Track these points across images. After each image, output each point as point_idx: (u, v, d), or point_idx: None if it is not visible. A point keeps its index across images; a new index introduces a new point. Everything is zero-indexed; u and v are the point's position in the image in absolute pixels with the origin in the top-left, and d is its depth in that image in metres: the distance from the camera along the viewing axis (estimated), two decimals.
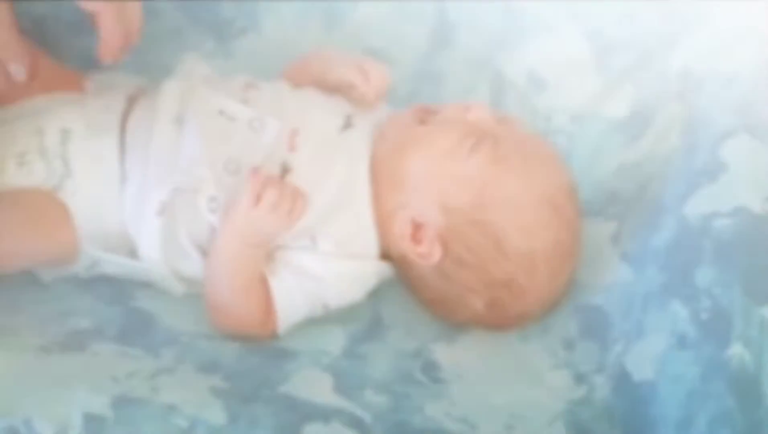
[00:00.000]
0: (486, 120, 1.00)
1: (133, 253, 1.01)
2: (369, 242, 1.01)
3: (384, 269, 1.02)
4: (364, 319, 1.05)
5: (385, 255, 1.02)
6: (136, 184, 1.00)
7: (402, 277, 1.03)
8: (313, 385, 0.95)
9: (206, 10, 1.15)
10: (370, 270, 1.02)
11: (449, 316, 1.03)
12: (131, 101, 1.04)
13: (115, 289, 1.03)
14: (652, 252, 0.95)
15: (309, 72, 1.08)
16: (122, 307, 1.03)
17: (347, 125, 1.02)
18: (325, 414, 0.90)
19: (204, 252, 1.00)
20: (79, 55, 1.13)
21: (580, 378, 0.96)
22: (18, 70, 1.05)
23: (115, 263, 1.02)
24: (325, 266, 0.99)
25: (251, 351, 1.00)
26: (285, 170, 0.99)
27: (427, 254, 0.98)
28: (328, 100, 1.05)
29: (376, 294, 1.05)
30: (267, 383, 0.94)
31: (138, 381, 0.92)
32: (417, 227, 0.98)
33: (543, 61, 1.10)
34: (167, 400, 0.88)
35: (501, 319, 1.01)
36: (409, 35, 1.13)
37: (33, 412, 0.86)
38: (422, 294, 1.03)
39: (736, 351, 0.85)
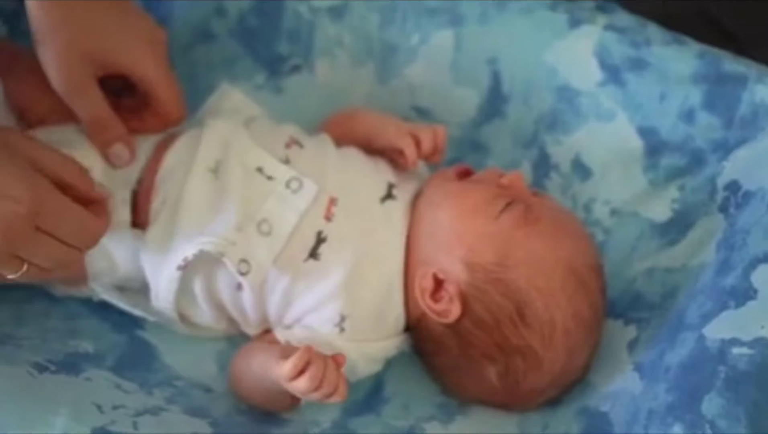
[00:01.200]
0: (521, 186, 0.99)
1: (143, 288, 1.01)
2: (398, 318, 0.99)
3: (404, 340, 1.01)
4: (364, 388, 1.03)
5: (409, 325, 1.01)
6: (161, 229, 0.98)
7: (417, 343, 1.02)
8: None
9: (263, 43, 1.14)
10: (391, 347, 1.00)
11: (459, 387, 1.01)
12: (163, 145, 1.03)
13: (124, 315, 1.03)
14: (665, 368, 0.91)
15: (355, 131, 1.07)
16: (127, 336, 1.04)
17: (388, 195, 1.01)
18: None
19: (216, 305, 1.00)
20: None
21: None
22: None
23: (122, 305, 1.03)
24: (353, 352, 0.97)
25: (240, 410, 0.99)
26: (320, 239, 0.97)
27: (445, 312, 0.96)
28: (371, 166, 1.03)
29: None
30: None
31: (122, 415, 0.91)
32: (438, 284, 0.97)
33: (591, 150, 1.07)
34: None
35: (512, 392, 0.99)
36: (460, 100, 1.10)
37: (11, 429, 0.87)
38: (436, 360, 1.01)
39: None
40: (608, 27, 1.05)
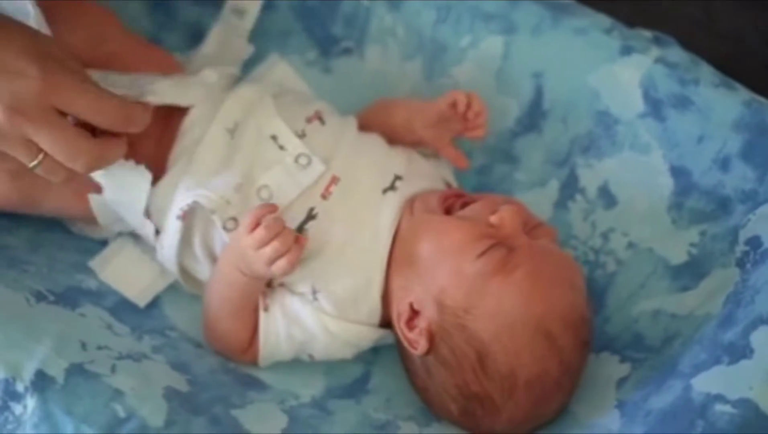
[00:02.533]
0: (511, 227, 0.93)
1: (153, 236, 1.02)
2: (372, 311, 0.98)
3: (383, 335, 1.00)
4: (351, 375, 1.03)
5: (388, 323, 0.99)
6: (172, 180, 1.00)
7: (397, 343, 1.00)
8: (264, 421, 0.94)
9: (319, 22, 1.15)
10: (365, 336, 0.99)
11: (428, 406, 1.00)
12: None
13: None
14: (646, 411, 0.89)
15: (393, 115, 1.07)
16: None
17: (391, 187, 1.00)
18: None
19: (213, 260, 1.01)
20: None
21: None
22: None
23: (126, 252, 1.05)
24: (319, 324, 0.97)
25: (226, 370, 1.00)
26: (310, 216, 0.97)
27: (415, 343, 0.95)
28: (386, 155, 1.02)
29: (375, 354, 1.04)
30: (224, 402, 0.94)
31: (103, 356, 0.93)
32: (414, 313, 0.95)
33: (620, 179, 1.04)
34: (118, 385, 0.89)
35: (472, 427, 0.97)
36: (500, 109, 1.09)
37: None
38: (408, 375, 1.00)
39: None
40: (659, 60, 1.02)
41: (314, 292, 0.97)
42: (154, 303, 1.04)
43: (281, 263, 0.91)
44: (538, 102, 1.08)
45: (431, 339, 0.94)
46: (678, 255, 1.00)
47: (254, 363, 1.00)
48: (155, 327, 1.01)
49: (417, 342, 0.94)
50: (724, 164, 0.99)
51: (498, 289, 0.91)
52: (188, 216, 0.99)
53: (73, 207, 1.03)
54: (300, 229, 0.97)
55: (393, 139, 1.06)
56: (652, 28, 1.08)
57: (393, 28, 1.12)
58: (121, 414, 0.87)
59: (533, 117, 1.08)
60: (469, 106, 1.02)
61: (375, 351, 1.03)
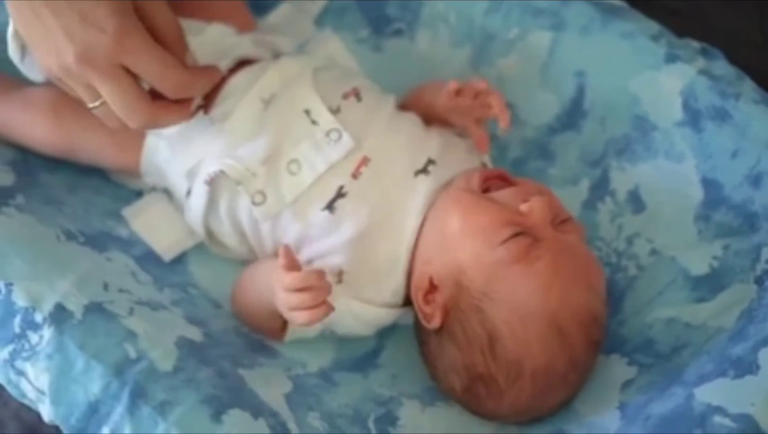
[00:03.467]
0: (539, 217, 0.93)
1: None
2: (395, 292, 0.99)
3: (403, 314, 1.01)
4: (362, 349, 1.04)
5: (410, 301, 1.00)
6: (205, 144, 1.02)
7: (414, 321, 1.01)
8: (269, 384, 0.96)
9: (375, 3, 1.16)
10: (386, 317, 1.00)
11: (434, 380, 1.01)
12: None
13: None
14: (646, 416, 0.89)
15: (422, 96, 1.07)
16: None
17: (423, 170, 1.00)
18: (258, 410, 0.91)
19: (237, 227, 1.03)
20: None
21: None
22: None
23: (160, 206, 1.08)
24: (343, 306, 0.97)
25: (239, 332, 1.02)
26: (339, 193, 0.98)
27: (429, 317, 0.95)
28: (421, 137, 1.02)
29: (391, 329, 1.04)
30: (232, 360, 0.96)
31: (123, 299, 0.95)
32: (432, 287, 0.96)
33: (651, 185, 1.04)
34: (133, 327, 0.92)
35: (474, 407, 0.98)
36: (542, 104, 1.09)
37: (18, 280, 0.92)
38: (420, 347, 1.01)
39: None
40: (703, 72, 1.02)
41: (340, 274, 0.98)
42: (180, 259, 1.06)
43: (302, 316, 0.91)
44: (578, 101, 1.07)
45: (445, 315, 0.94)
46: (699, 267, 0.99)
47: (280, 341, 1.02)
48: (177, 282, 1.03)
49: (432, 316, 0.95)
50: (756, 181, 0.98)
51: (517, 277, 0.91)
52: (215, 182, 1.00)
53: (112, 156, 1.06)
54: (330, 207, 0.98)
55: (429, 120, 1.06)
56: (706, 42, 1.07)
57: (445, 14, 1.13)
58: (132, 354, 0.90)
59: (573, 115, 1.08)
60: (476, 95, 1.02)
61: (391, 327, 1.03)
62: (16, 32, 0.95)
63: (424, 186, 0.99)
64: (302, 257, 0.99)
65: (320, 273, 0.91)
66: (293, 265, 0.91)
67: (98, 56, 0.88)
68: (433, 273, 0.95)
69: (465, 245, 0.94)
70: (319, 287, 0.90)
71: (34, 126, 1.04)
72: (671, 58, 1.03)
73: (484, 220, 0.94)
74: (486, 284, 0.92)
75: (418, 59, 1.15)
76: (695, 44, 1.05)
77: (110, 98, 0.90)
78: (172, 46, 0.93)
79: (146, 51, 0.90)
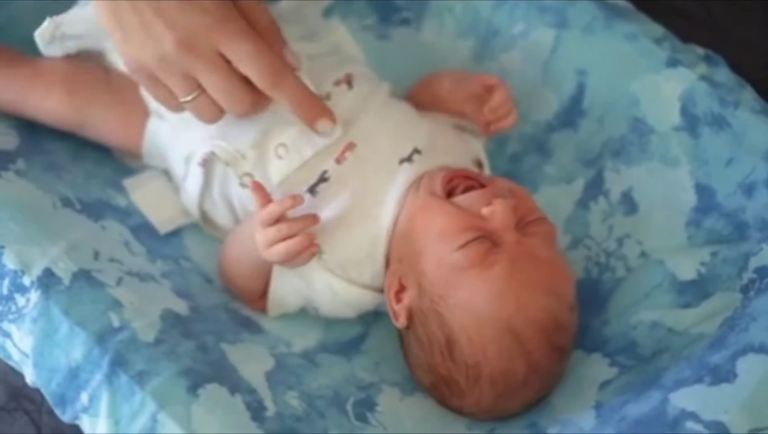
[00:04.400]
0: (500, 221, 0.91)
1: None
2: (375, 275, 1.00)
3: (384, 301, 1.00)
4: (349, 333, 1.05)
5: None
6: (204, 126, 1.01)
7: None
8: (251, 360, 0.96)
9: None
10: (366, 299, 1.01)
11: (410, 372, 1.01)
12: None
13: None
14: (621, 416, 0.89)
15: (438, 85, 1.08)
16: None
17: (409, 158, 1.00)
18: (235, 386, 0.91)
19: (229, 207, 1.03)
20: None
21: None
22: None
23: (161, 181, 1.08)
24: (323, 281, 0.99)
25: (227, 308, 1.03)
26: (322, 178, 0.99)
27: (397, 315, 0.96)
28: (411, 125, 1.02)
29: (377, 316, 1.05)
30: (216, 334, 0.96)
31: (112, 269, 0.96)
32: (401, 287, 0.96)
33: (644, 188, 1.04)
34: (119, 296, 0.93)
35: (443, 403, 0.99)
36: (542, 101, 1.09)
37: (10, 243, 0.93)
38: (399, 339, 1.02)
39: None
40: (704, 78, 1.01)
41: (321, 252, 0.98)
42: (176, 232, 1.07)
43: (281, 249, 0.93)
44: (578, 99, 1.07)
45: (410, 316, 0.95)
46: (687, 272, 0.99)
47: (264, 310, 1.03)
48: (171, 254, 1.04)
49: (399, 316, 0.96)
50: (749, 190, 0.98)
51: (472, 283, 0.91)
52: (208, 163, 1.01)
53: (117, 134, 1.07)
54: (312, 190, 0.99)
55: (437, 108, 1.07)
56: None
57: (451, 5, 1.14)
58: (116, 323, 0.90)
59: (571, 113, 1.08)
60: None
61: (377, 314, 1.04)
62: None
63: (405, 175, 0.99)
64: None
65: (295, 197, 0.92)
66: (267, 199, 0.93)
67: (199, 40, 0.87)
68: (401, 274, 0.96)
69: (426, 249, 0.94)
70: (298, 233, 0.92)
71: (45, 100, 1.05)
72: (673, 63, 1.03)
73: (443, 224, 0.93)
74: (444, 288, 0.92)
75: (423, 48, 1.16)
76: (699, 50, 1.05)
77: (213, 86, 0.90)
78: (269, 41, 0.92)
79: (247, 37, 0.89)
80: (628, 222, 1.04)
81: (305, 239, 0.93)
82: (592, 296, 1.02)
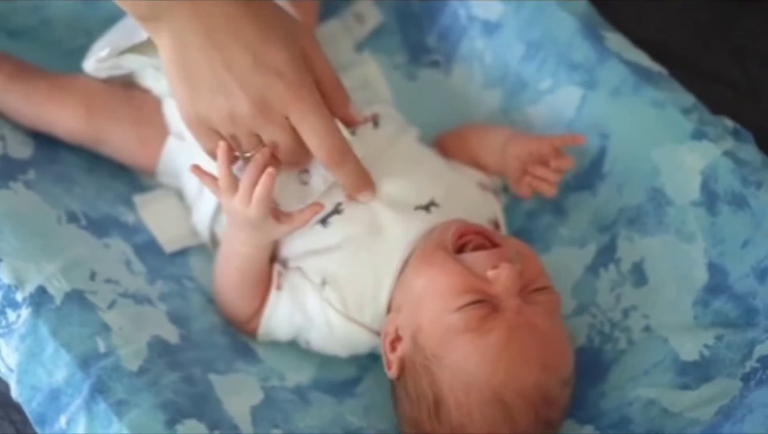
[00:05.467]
0: (503, 286, 0.89)
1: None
2: (375, 317, 0.99)
3: (380, 344, 0.99)
4: (344, 374, 1.04)
5: None
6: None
7: None
8: (238, 392, 0.96)
9: (416, 29, 1.16)
10: (361, 340, 1.00)
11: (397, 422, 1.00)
12: None
13: None
14: None
15: (489, 136, 1.06)
16: None
17: (425, 208, 0.99)
18: (216, 421, 0.91)
19: None
20: None
21: None
22: None
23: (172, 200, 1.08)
24: (322, 313, 0.98)
25: (225, 331, 1.02)
26: (336, 210, 0.98)
27: (390, 364, 0.95)
28: (432, 175, 1.01)
29: (374, 361, 1.04)
30: (205, 364, 0.96)
31: (107, 291, 0.96)
32: (398, 337, 0.95)
33: (656, 261, 1.01)
34: (109, 320, 0.93)
35: None
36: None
37: (7, 256, 0.93)
38: (390, 388, 1.01)
39: None
40: (728, 153, 0.99)
41: (323, 283, 0.98)
42: (182, 251, 1.07)
43: (244, 197, 0.91)
44: (599, 163, 1.05)
45: (402, 368, 0.94)
46: (690, 352, 0.96)
47: (253, 335, 1.02)
48: (174, 274, 1.04)
49: (392, 365, 0.95)
50: (762, 275, 0.95)
51: (467, 347, 0.90)
52: None
53: (134, 152, 1.08)
54: (324, 221, 0.98)
55: (466, 159, 1.06)
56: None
57: (482, 52, 1.12)
58: (101, 348, 0.91)
59: (591, 176, 1.06)
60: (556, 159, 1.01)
61: (373, 358, 1.03)
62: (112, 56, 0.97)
63: (419, 223, 0.98)
64: (291, 265, 1.00)
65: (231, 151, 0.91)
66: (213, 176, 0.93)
67: (273, 106, 0.86)
68: (398, 324, 0.95)
69: (425, 304, 0.93)
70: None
71: (63, 115, 1.06)
72: (698, 135, 1.00)
73: (445, 282, 0.92)
74: (438, 347, 0.91)
75: (450, 93, 1.15)
76: (728, 122, 1.02)
77: (276, 146, 0.90)
78: (334, 96, 0.92)
79: (317, 112, 0.88)
80: (637, 294, 1.02)
81: (268, 176, 0.90)
82: (591, 366, 1.00)
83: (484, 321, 0.89)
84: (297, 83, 0.86)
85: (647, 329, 1.00)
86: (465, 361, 0.89)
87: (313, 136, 0.88)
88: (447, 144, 1.09)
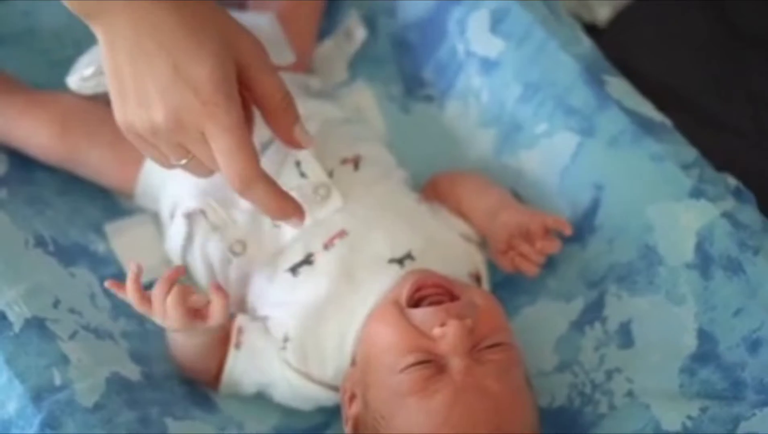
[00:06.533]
0: (451, 345, 0.86)
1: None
2: (338, 371, 0.96)
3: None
4: (310, 421, 1.01)
5: None
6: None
7: None
8: None
9: (413, 61, 1.14)
10: (323, 396, 0.97)
11: None
12: None
13: None
14: None
15: (485, 196, 1.03)
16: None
17: (400, 261, 0.96)
18: None
19: (208, 266, 1.01)
20: None
21: None
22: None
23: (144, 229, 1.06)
24: (281, 374, 0.96)
25: (184, 380, 1.00)
26: (306, 261, 0.96)
27: (346, 421, 0.93)
28: (410, 226, 0.98)
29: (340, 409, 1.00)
30: (163, 407, 0.94)
31: (69, 321, 0.94)
32: (353, 395, 0.92)
33: (644, 323, 0.97)
34: (68, 352, 0.90)
35: None
36: (555, 209, 1.03)
37: None
38: None
39: None
40: (726, 215, 0.95)
41: (285, 340, 0.95)
42: (150, 282, 1.03)
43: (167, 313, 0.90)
44: (591, 215, 1.02)
45: (356, 426, 0.91)
46: (672, 423, 0.92)
47: (215, 389, 1.00)
48: (136, 313, 0.98)
49: (348, 422, 0.92)
50: (753, 346, 0.92)
51: (412, 410, 0.86)
52: (192, 217, 0.99)
53: (111, 173, 1.06)
54: (294, 270, 0.96)
55: (464, 214, 1.03)
56: None
57: (478, 90, 1.09)
58: (57, 381, 0.88)
59: (582, 228, 1.02)
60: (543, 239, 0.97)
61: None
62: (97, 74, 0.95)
63: (391, 277, 0.95)
64: (258, 312, 0.98)
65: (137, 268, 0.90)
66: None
67: (186, 121, 0.82)
68: (354, 380, 0.92)
69: (373, 362, 0.90)
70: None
71: (37, 133, 1.04)
72: (696, 193, 0.96)
73: (390, 340, 0.89)
74: (385, 409, 0.88)
75: (443, 130, 1.12)
76: (731, 181, 0.99)
77: (203, 158, 0.86)
78: (278, 115, 0.88)
79: (227, 133, 0.82)
80: (621, 356, 0.98)
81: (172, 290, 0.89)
82: (569, 428, 0.97)
83: (428, 383, 0.86)
84: (212, 101, 0.81)
85: (630, 394, 0.96)
86: (411, 425, 0.86)
87: (221, 157, 0.84)
88: (439, 187, 1.06)
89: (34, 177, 1.04)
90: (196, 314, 0.91)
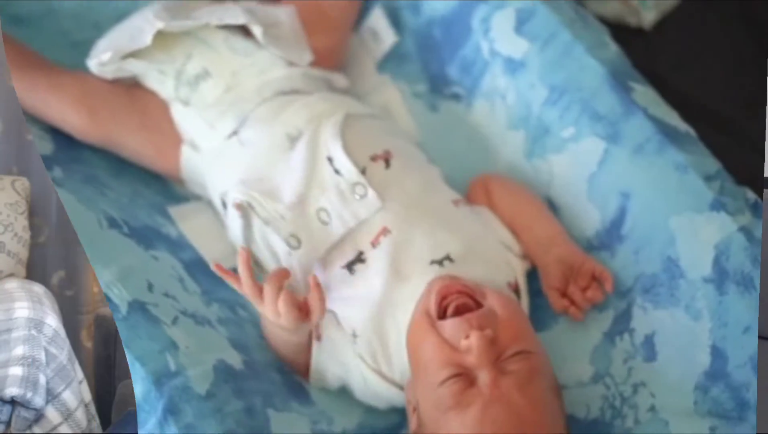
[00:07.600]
0: (476, 357, 0.92)
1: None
2: (404, 372, 1.02)
3: None
4: (388, 420, 1.06)
5: None
6: (238, 162, 1.04)
7: None
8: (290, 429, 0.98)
9: (437, 58, 1.19)
10: (393, 395, 1.03)
11: None
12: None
13: None
14: None
15: (544, 224, 1.07)
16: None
17: (440, 262, 1.01)
18: None
19: (273, 255, 1.04)
20: None
21: None
22: None
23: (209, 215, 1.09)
24: (356, 367, 1.03)
25: (281, 369, 1.03)
26: (359, 259, 1.03)
27: (412, 429, 0.99)
28: (450, 228, 1.03)
29: None
30: (265, 397, 1.01)
31: (168, 305, 1.01)
32: (414, 408, 0.99)
33: (665, 335, 1.02)
34: (176, 337, 0.96)
35: None
36: (585, 216, 1.08)
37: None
38: None
39: None
40: (743, 229, 1.00)
41: (354, 335, 1.03)
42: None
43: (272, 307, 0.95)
44: (619, 223, 1.07)
45: None
46: None
47: (307, 380, 1.05)
48: (226, 299, 1.07)
49: (411, 428, 0.99)
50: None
51: (452, 423, 0.94)
52: (244, 209, 1.04)
53: (152, 159, 1.11)
54: (349, 267, 1.03)
55: (514, 230, 1.06)
56: None
57: (504, 91, 1.14)
58: (172, 367, 0.91)
59: (611, 236, 1.08)
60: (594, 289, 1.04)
61: None
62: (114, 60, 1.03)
63: (432, 277, 1.01)
64: (329, 306, 1.03)
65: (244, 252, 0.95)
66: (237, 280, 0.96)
67: None
68: (410, 395, 0.99)
69: (419, 379, 0.98)
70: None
71: (67, 115, 1.09)
72: (717, 206, 1.02)
73: (427, 356, 0.98)
74: (433, 424, 0.96)
75: (472, 129, 1.17)
76: (750, 194, 1.03)
77: None
78: None
79: None
80: (646, 370, 1.04)
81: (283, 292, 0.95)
82: None
83: (461, 397, 0.95)
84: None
85: (652, 409, 1.03)
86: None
87: None
88: (492, 192, 1.10)
89: (82, 157, 1.04)
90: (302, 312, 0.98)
